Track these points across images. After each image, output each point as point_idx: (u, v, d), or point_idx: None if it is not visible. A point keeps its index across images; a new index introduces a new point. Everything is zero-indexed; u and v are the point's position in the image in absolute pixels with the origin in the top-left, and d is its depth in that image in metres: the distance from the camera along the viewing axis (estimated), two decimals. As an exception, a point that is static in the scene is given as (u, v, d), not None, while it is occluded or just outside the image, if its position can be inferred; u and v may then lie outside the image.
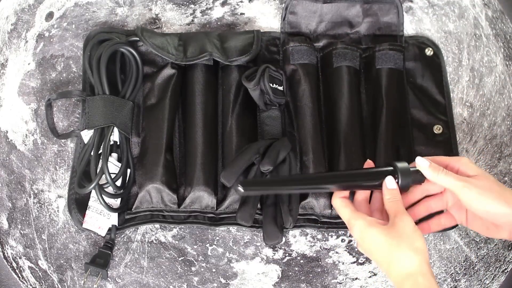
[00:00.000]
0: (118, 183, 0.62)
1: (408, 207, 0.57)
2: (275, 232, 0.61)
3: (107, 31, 0.70)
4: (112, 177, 0.61)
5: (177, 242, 0.65)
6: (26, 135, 0.68)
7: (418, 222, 0.58)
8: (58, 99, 0.68)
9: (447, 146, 0.67)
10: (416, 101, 0.68)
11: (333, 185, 0.55)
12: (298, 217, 0.63)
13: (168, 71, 0.67)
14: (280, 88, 0.65)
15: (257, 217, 0.64)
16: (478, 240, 0.65)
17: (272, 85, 0.65)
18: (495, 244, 0.65)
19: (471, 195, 0.49)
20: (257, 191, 0.58)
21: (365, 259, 0.64)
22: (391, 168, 0.54)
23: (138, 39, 0.67)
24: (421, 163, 0.53)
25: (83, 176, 0.63)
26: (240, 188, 0.52)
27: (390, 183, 0.53)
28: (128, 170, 0.64)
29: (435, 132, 0.67)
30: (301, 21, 0.70)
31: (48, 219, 0.65)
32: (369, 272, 0.64)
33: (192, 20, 0.72)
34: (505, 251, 0.65)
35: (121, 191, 0.63)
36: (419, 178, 0.54)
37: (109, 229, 0.63)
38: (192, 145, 0.65)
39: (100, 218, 0.63)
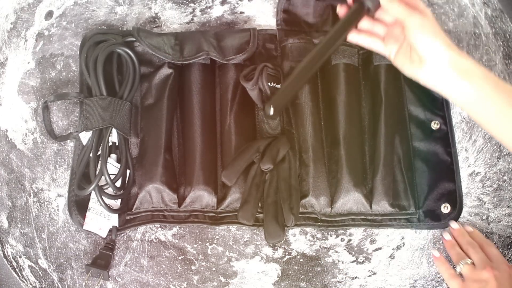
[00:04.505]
0: (118, 184, 0.63)
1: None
2: (277, 230, 0.61)
3: (103, 32, 0.69)
4: (112, 178, 0.61)
5: (177, 241, 0.65)
6: (26, 134, 0.68)
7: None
8: (55, 101, 0.68)
9: (444, 141, 0.67)
10: (414, 97, 0.68)
11: (335, 44, 0.60)
12: (298, 215, 0.63)
13: (165, 71, 0.67)
14: (278, 86, 0.65)
15: (257, 216, 0.64)
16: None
17: (270, 84, 0.65)
18: (495, 243, 0.65)
19: (414, 23, 0.55)
20: (285, 101, 0.62)
21: (364, 258, 0.65)
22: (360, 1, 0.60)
23: (134, 39, 0.67)
24: None
25: (83, 177, 0.63)
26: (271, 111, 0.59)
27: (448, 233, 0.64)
28: (128, 171, 0.64)
29: (432, 128, 0.67)
30: (297, 17, 0.70)
31: (48, 218, 0.66)
32: (369, 271, 0.64)
33: (192, 19, 0.72)
34: (505, 250, 0.65)
35: (121, 192, 0.63)
36: (377, 2, 0.59)
37: (110, 230, 0.64)
38: (191, 144, 0.65)
39: (100, 219, 0.63)
